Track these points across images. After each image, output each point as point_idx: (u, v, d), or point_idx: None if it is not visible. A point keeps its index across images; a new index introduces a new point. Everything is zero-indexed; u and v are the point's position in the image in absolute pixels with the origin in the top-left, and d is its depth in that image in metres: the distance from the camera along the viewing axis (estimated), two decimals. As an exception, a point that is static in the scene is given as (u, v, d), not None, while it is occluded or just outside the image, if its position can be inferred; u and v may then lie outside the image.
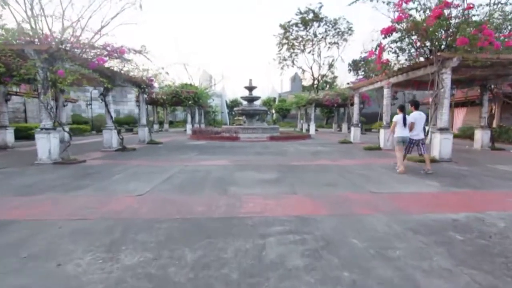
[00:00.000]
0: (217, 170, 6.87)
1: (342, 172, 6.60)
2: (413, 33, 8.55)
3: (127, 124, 33.03)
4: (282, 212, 3.70)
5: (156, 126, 28.09)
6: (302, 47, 32.51)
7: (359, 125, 15.19)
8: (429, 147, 8.67)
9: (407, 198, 4.51)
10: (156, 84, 14.84)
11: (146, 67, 12.15)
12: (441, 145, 8.36)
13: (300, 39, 31.75)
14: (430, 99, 9.75)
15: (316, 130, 26.16)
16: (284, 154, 10.24)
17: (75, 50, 8.70)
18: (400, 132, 6.60)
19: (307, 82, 40.11)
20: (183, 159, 8.85)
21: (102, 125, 26.08)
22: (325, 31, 31.96)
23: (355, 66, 55.15)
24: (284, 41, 31.86)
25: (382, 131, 11.84)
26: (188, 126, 24.26)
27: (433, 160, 8.18)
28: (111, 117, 11.06)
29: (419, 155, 7.27)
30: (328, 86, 40.64)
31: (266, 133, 17.57)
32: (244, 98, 19.36)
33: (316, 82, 34.55)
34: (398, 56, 9.67)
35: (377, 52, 9.45)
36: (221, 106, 55.20)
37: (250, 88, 19.35)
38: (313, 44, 32.32)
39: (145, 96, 14.24)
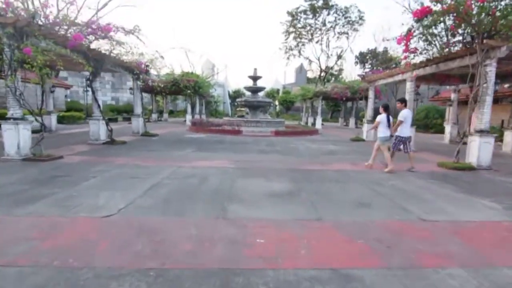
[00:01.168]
0: (215, 175, 5.65)
1: (370, 183, 5.37)
2: (452, 16, 7.19)
3: (126, 112, 31.77)
4: (309, 261, 2.48)
5: (154, 116, 26.85)
6: (309, 36, 30.85)
7: (372, 121, 13.88)
8: (464, 152, 7.43)
9: (476, 233, 3.29)
10: (153, 71, 13.50)
11: (141, 51, 10.89)
12: (480, 150, 7.10)
13: (308, 27, 30.08)
14: (470, 96, 8.42)
15: (321, 124, 24.85)
16: (293, 153, 9.00)
17: (53, 26, 7.42)
18: (385, 131, 6.51)
19: (313, 73, 38.53)
20: (177, 157, 7.64)
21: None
22: (335, 20, 30.25)
23: (362, 58, 53.73)
24: (291, 29, 30.19)
25: (402, 129, 10.53)
26: (188, 117, 22.98)
27: (470, 168, 6.96)
28: (99, 105, 9.80)
29: (404, 153, 6.84)
30: (333, 79, 39.08)
31: (270, 127, 16.30)
32: (248, 89, 18.02)
33: (323, 73, 32.97)
34: (429, 44, 8.32)
35: (404, 41, 8.09)
36: (223, 96, 53.70)
37: (255, 78, 17.98)
38: (321, 34, 30.67)
39: (139, 83, 12.93)
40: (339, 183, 5.36)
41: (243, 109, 57.93)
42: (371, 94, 13.58)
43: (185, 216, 3.48)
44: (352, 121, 27.32)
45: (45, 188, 4.42)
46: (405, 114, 6.46)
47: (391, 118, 6.55)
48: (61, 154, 7.33)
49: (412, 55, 8.76)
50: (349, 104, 30.20)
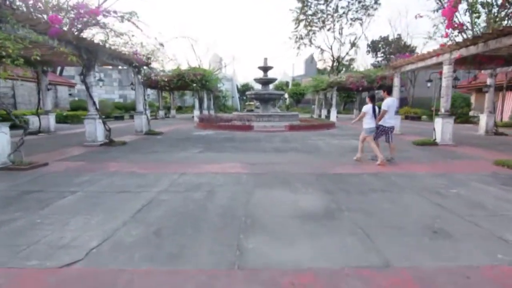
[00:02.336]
0: (226, 185, 4.51)
1: (426, 192, 4.13)
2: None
3: (134, 110, 30.91)
4: None
5: (161, 113, 25.95)
6: (321, 24, 29.18)
7: (397, 112, 12.46)
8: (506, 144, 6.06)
9: None
10: (157, 65, 12.39)
11: (140, 42, 9.80)
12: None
13: (320, 14, 28.40)
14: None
15: (336, 116, 23.40)
16: (314, 151, 7.78)
17: (34, 11, 6.36)
18: (371, 123, 6.31)
19: (322, 64, 36.69)
20: (180, 160, 6.53)
21: (103, 111, 24.19)
22: (348, 5, 28.47)
23: (374, 47, 51.45)
24: (302, 16, 28.55)
25: (439, 121, 9.17)
26: (196, 113, 21.92)
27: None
28: (94, 103, 8.76)
29: (386, 142, 6.60)
30: (344, 69, 37.25)
31: (283, 121, 15.06)
32: (258, 81, 16.75)
33: (336, 63, 31.31)
34: (479, 16, 6.91)
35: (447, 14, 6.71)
36: (231, 90, 52.53)
37: (265, 69, 16.69)
38: (333, 20, 28.94)
39: (140, 77, 11.85)
40: (385, 193, 4.14)
41: (252, 103, 56.81)
42: (396, 82, 12.14)
43: (183, 262, 2.34)
44: (368, 112, 25.75)
45: (3, 211, 3.36)
46: (389, 103, 6.22)
47: (377, 108, 6.30)
48: (48, 159, 6.33)
49: (454, 33, 7.41)
50: (363, 94, 28.58)
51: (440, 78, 16.35)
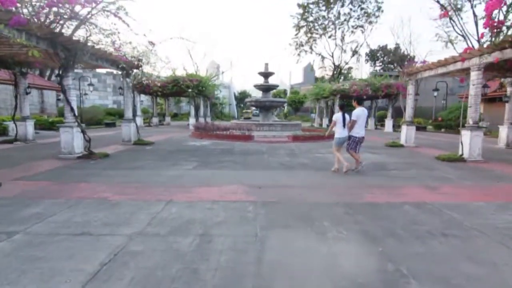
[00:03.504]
0: (226, 224, 3.29)
1: (507, 237, 2.97)
2: None
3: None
4: None
5: (155, 120, 24.72)
6: (321, 31, 28.41)
7: (413, 123, 11.39)
8: None
9: None
10: (149, 68, 11.23)
11: (129, 41, 8.70)
12: None
13: (321, 20, 27.64)
14: None
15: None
16: (329, 168, 6.61)
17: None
18: (340, 132, 6.20)
19: (321, 72, 35.77)
20: (168, 180, 5.32)
21: (94, 117, 22.91)
22: (349, 12, 27.77)
23: (372, 56, 51.02)
24: (302, 23, 27.78)
25: (467, 134, 8.11)
26: (191, 120, 20.75)
27: None
28: (72, 109, 7.52)
29: (346, 151, 6.40)
30: (342, 77, 36.47)
31: (286, 131, 13.95)
32: (259, 87, 15.66)
33: (337, 70, 30.46)
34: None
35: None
36: (229, 98, 51.55)
37: (266, 75, 15.64)
38: (335, 27, 28.19)
39: (129, 80, 10.67)
40: (449, 238, 2.96)
41: (249, 110, 55.92)
42: (411, 90, 11.11)
43: None
44: (371, 122, 24.77)
45: None
46: (359, 113, 6.11)
47: (347, 117, 6.16)
48: (5, 178, 5.10)
49: (489, 34, 6.38)
50: (366, 103, 27.68)
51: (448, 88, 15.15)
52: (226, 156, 8.17)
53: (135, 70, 10.76)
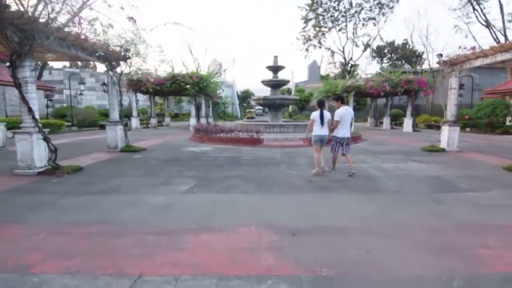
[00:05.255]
0: None
1: None
2: None
3: (126, 117, 28.00)
4: None
5: (154, 121, 22.87)
6: (331, 24, 26.49)
7: (456, 122, 9.46)
8: None
9: None
10: (140, 60, 9.36)
11: (109, 23, 6.94)
12: None
13: (331, 12, 25.69)
14: None
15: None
16: (376, 187, 4.74)
17: None
18: (317, 130, 5.79)
19: (325, 70, 33.85)
20: (148, 219, 3.46)
21: (87, 119, 21.14)
22: (361, 3, 25.81)
23: (379, 53, 48.94)
24: (311, 15, 25.85)
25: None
26: (192, 121, 18.93)
27: None
28: (30, 109, 5.69)
29: (342, 155, 5.89)
30: (348, 75, 34.52)
31: (299, 133, 12.07)
32: (267, 83, 13.76)
33: (347, 66, 28.50)
34: None
35: None
36: (231, 97, 49.72)
37: (276, 69, 13.74)
38: (345, 20, 26.24)
39: (111, 73, 8.80)
40: None
41: (252, 110, 54.00)
42: (454, 83, 9.18)
43: None
44: (387, 121, 22.81)
45: None
46: (342, 113, 5.71)
47: (326, 114, 5.80)
48: None
49: None
50: (379, 101, 25.69)
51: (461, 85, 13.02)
52: (233, 169, 6.32)
53: (121, 62, 8.95)
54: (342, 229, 3.13)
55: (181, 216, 3.51)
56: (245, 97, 59.07)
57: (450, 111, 9.31)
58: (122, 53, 8.51)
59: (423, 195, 4.44)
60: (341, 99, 5.98)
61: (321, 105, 5.96)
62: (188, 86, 15.89)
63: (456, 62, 8.82)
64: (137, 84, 15.56)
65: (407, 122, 19.75)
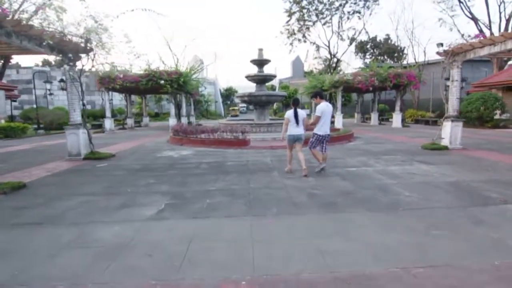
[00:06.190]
0: None
1: None
2: None
3: (103, 117, 26.22)
4: None
5: (130, 121, 21.34)
6: (315, 17, 25.67)
7: (459, 118, 8.75)
8: None
9: None
10: (103, 52, 8.04)
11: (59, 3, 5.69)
12: None
13: (315, 5, 24.84)
14: None
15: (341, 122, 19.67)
16: (394, 203, 3.79)
17: None
18: (291, 130, 5.55)
19: (308, 66, 33.19)
20: (89, 273, 2.34)
21: (55, 121, 19.34)
22: (346, -4, 25.14)
23: (361, 48, 48.85)
24: (295, 7, 24.92)
25: None
26: (171, 121, 17.62)
27: None
28: None
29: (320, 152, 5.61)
30: (331, 71, 34.06)
31: (289, 132, 11.07)
32: (252, 78, 12.68)
33: (333, 61, 27.83)
34: None
35: None
36: (214, 94, 48.31)
37: (261, 63, 12.69)
38: (330, 13, 25.51)
39: (67, 67, 7.46)
40: None
41: (236, 107, 52.67)
42: (457, 75, 8.45)
43: None
44: (374, 116, 22.29)
45: None
46: (323, 108, 5.45)
47: (301, 113, 5.51)
48: None
49: None
50: (366, 96, 25.16)
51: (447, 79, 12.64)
52: (216, 179, 5.24)
53: (82, 55, 7.62)
54: (372, 279, 2.14)
55: (137, 264, 2.41)
56: (228, 94, 57.74)
57: (452, 106, 8.57)
58: (82, 44, 7.23)
59: (456, 212, 3.52)
60: (319, 95, 5.69)
61: (295, 103, 5.66)
62: (162, 82, 14.54)
63: (459, 51, 8.06)
64: (109, 82, 14.07)
65: (396, 118, 19.24)
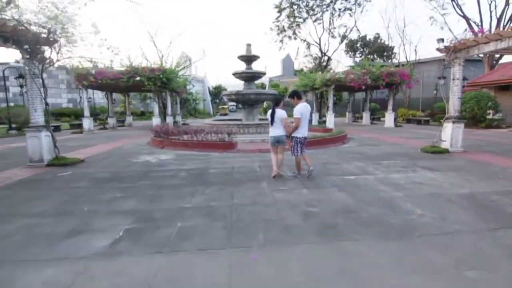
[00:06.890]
0: None
1: None
2: None
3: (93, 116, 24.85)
4: None
5: (111, 121, 20.19)
6: (306, 14, 25.05)
7: (460, 119, 8.21)
8: None
9: None
10: (66, 43, 7.05)
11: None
12: None
13: (306, 1, 24.20)
14: None
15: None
16: (410, 230, 3.11)
17: None
18: (271, 131, 5.35)
19: (298, 65, 32.65)
20: None
21: (27, 120, 18.10)
22: (337, -8, 24.59)
23: (351, 47, 48.66)
24: (285, 3, 24.21)
25: None
26: (155, 120, 16.67)
27: None
28: None
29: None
30: (321, 69, 33.59)
31: (279, 133, 10.35)
32: (240, 75, 11.87)
33: (324, 58, 27.29)
34: None
35: None
36: (203, 93, 47.15)
37: (249, 59, 11.92)
38: (321, 10, 24.92)
39: (24, 61, 6.52)
40: None
41: (225, 106, 51.66)
42: (458, 73, 7.89)
43: None
44: (366, 116, 21.86)
45: None
46: (302, 110, 5.12)
47: (278, 113, 5.16)
48: None
49: None
50: (357, 95, 24.74)
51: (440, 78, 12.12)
52: (194, 192, 4.46)
53: (44, 48, 6.68)
54: None
55: None
56: (217, 92, 56.60)
57: (453, 106, 8.02)
58: (44, 35, 6.31)
59: (484, 237, 2.87)
60: (297, 95, 5.36)
61: (276, 103, 5.37)
62: (138, 78, 13.61)
63: (461, 47, 7.49)
64: (85, 78, 13.02)
65: (389, 117, 18.80)
